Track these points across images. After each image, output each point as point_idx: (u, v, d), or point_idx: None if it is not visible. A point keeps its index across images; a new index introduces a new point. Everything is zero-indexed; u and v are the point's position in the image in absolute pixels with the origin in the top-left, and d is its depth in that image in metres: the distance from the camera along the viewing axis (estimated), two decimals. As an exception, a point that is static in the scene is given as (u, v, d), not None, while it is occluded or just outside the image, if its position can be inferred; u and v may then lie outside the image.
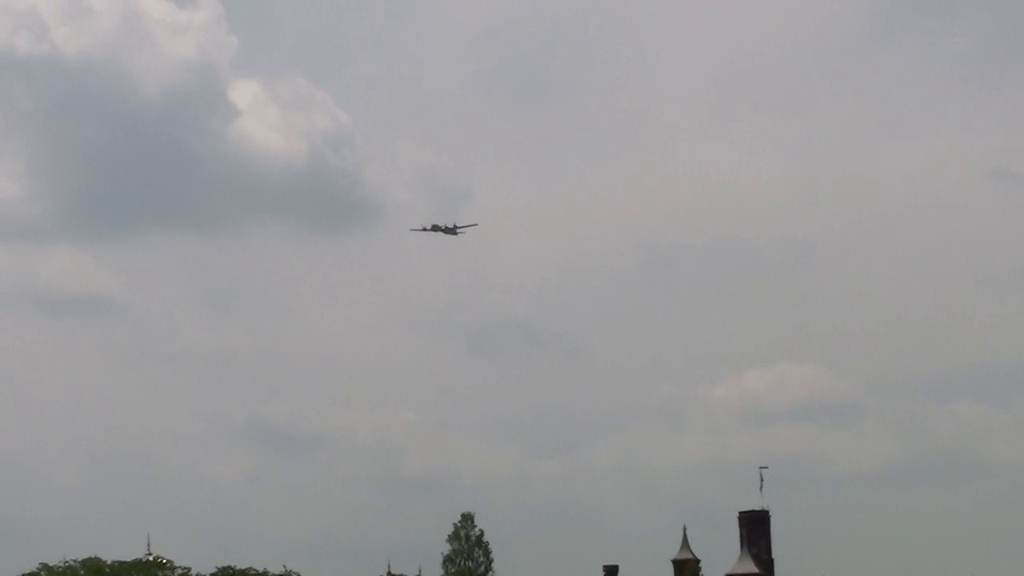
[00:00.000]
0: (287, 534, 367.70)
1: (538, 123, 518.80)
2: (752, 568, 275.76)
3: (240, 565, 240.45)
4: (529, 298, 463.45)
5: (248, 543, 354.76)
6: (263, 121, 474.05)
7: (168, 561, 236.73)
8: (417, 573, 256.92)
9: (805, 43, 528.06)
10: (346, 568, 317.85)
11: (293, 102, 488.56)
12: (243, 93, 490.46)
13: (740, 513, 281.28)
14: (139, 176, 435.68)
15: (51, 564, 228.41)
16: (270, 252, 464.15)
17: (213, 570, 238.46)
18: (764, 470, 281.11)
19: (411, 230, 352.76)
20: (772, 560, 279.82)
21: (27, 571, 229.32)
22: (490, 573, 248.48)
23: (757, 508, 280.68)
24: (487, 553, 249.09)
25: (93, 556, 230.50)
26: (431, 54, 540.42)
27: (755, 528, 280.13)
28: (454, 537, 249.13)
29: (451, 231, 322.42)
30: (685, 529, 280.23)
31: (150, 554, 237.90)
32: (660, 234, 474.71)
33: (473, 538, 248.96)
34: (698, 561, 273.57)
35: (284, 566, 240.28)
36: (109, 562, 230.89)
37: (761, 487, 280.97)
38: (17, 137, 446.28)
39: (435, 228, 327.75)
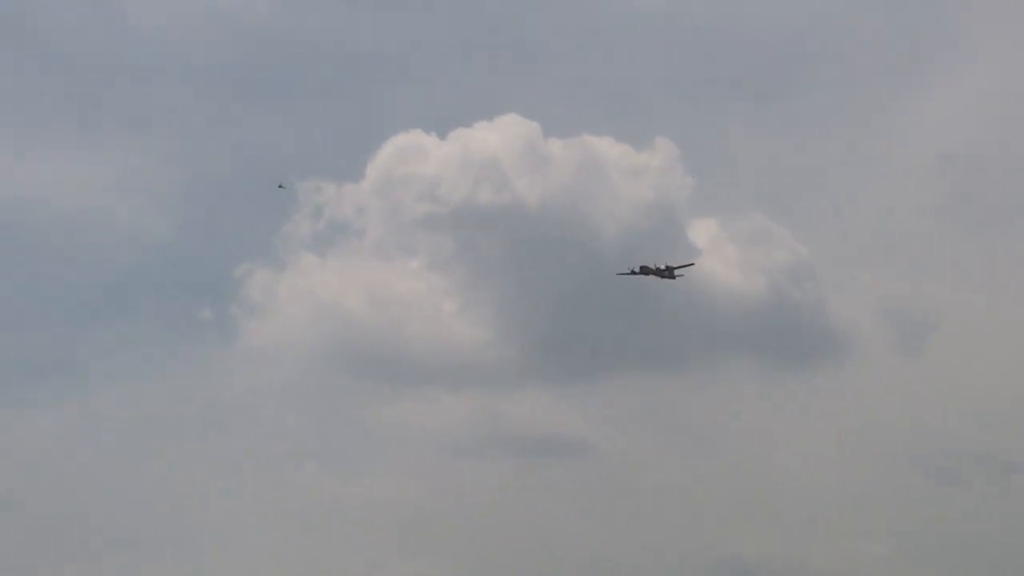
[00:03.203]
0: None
1: (1001, 247, 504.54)
2: None
3: None
4: (998, 425, 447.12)
5: None
6: (723, 259, 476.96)
7: None
8: None
9: None
10: None
11: (752, 238, 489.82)
12: (702, 232, 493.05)
13: None
14: (603, 318, 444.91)
15: None
16: (736, 388, 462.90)
17: None
18: None
19: (618, 274, 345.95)
20: None
21: None
22: None
23: None
24: None
25: None
26: (889, 181, 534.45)
27: None
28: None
29: (665, 273, 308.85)
30: None
31: None
32: None
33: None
34: None
35: None
36: None
37: None
38: (484, 285, 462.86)
39: (644, 270, 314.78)
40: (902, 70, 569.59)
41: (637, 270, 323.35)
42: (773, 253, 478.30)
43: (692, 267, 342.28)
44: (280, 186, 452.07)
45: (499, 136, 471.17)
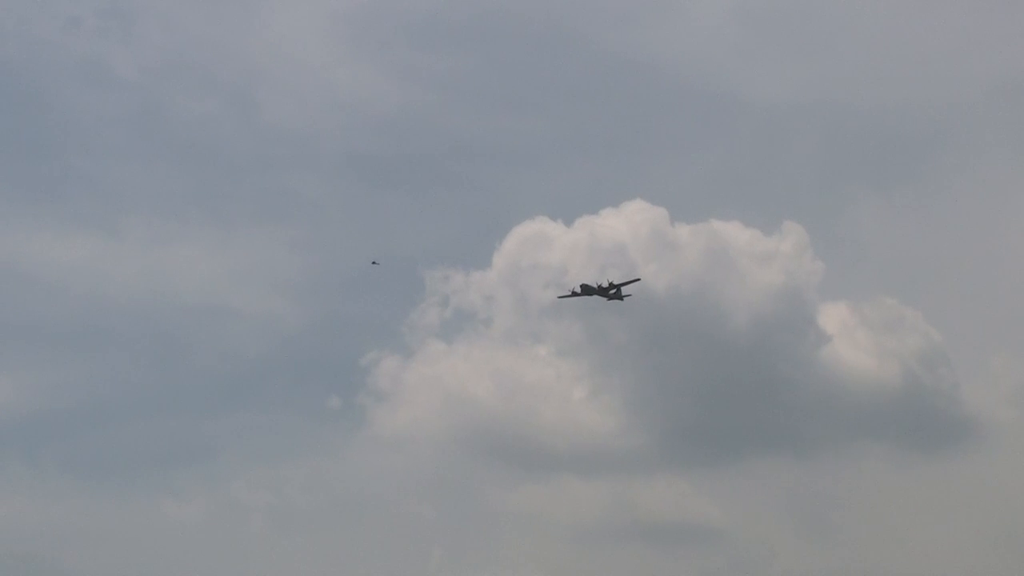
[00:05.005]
0: None
1: None
2: None
3: None
4: None
5: None
6: (854, 344, 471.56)
7: None
8: None
9: None
10: None
11: (883, 323, 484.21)
12: (832, 317, 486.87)
13: None
14: (733, 404, 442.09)
15: None
16: (867, 475, 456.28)
17: None
18: None
19: (559, 297, 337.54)
20: None
21: None
22: None
23: None
24: None
25: None
26: (1021, 264, 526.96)
27: None
28: None
29: (609, 292, 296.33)
30: None
31: None
32: None
33: None
34: None
35: None
36: None
37: None
38: (614, 372, 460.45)
39: (586, 290, 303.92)
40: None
41: (579, 291, 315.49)
42: (905, 338, 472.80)
43: (639, 282, 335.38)
44: (374, 263, 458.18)
45: (626, 222, 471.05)
